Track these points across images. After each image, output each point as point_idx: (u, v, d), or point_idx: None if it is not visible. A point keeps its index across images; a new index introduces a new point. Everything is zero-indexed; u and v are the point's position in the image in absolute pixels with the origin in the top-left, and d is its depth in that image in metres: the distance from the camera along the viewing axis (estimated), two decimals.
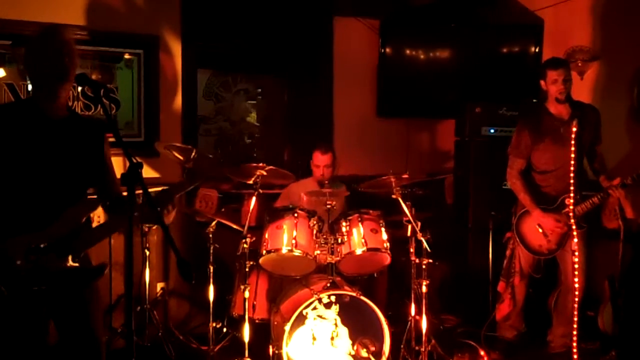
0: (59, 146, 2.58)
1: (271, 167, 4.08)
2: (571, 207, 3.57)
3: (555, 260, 4.28)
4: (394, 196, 4.02)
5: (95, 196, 2.78)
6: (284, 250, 3.90)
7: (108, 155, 2.77)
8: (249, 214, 4.00)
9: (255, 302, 4.24)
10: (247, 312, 3.92)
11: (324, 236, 3.99)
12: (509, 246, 4.39)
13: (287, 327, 3.66)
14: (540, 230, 4.13)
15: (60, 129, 2.60)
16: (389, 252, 4.00)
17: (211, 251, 4.17)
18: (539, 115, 4.18)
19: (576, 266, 3.47)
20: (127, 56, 4.85)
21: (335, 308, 3.74)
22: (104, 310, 4.51)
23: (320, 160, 4.60)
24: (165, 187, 2.75)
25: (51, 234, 2.50)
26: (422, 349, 3.98)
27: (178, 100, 5.06)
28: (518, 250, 4.31)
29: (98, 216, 3.31)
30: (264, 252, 3.96)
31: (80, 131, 2.66)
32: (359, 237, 3.97)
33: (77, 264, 2.55)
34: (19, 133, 2.53)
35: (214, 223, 4.22)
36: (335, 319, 3.74)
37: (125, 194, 2.37)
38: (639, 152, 4.69)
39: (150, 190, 2.29)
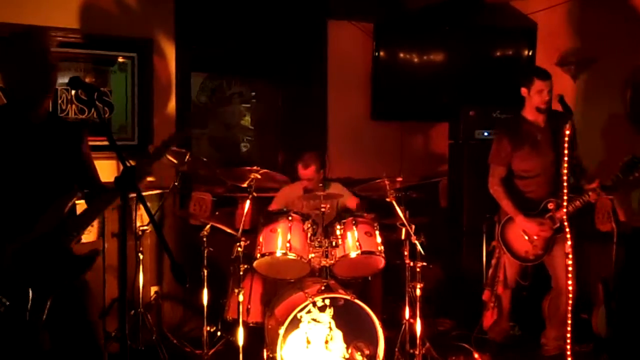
0: (40, 150, 2.58)
1: (265, 170, 4.08)
2: (553, 209, 3.59)
3: (544, 265, 4.28)
4: (388, 199, 4.03)
5: None
6: (278, 253, 3.89)
7: (87, 154, 2.76)
8: (243, 218, 4.00)
9: (249, 306, 4.24)
10: (241, 316, 3.91)
11: (318, 239, 3.98)
12: (495, 255, 4.38)
13: (282, 331, 3.66)
14: (526, 237, 4.14)
15: (40, 133, 2.60)
16: (383, 255, 3.99)
17: (205, 255, 4.15)
18: (517, 123, 4.25)
19: (569, 269, 3.48)
20: (120, 59, 4.84)
21: (329, 311, 3.73)
22: (97, 313, 4.49)
23: (302, 174, 4.60)
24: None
25: (37, 231, 2.48)
26: (417, 352, 3.98)
27: (172, 104, 5.06)
28: (504, 259, 4.29)
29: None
30: (258, 255, 3.96)
31: (58, 133, 2.66)
32: (353, 240, 3.96)
33: (69, 253, 2.54)
34: (1, 137, 2.53)
35: (208, 226, 4.21)
36: (330, 323, 3.74)
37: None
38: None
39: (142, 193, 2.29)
